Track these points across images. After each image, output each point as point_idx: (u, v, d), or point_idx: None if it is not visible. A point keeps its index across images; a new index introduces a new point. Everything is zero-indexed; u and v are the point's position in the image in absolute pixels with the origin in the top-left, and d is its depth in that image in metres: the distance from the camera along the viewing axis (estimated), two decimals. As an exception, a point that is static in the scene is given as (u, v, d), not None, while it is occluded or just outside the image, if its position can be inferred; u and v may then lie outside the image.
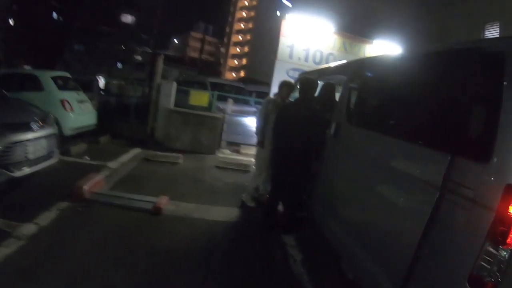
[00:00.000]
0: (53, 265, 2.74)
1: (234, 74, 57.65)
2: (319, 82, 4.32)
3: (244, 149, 8.37)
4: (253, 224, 4.11)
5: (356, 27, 11.31)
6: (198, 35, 55.25)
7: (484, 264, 1.52)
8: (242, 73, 54.06)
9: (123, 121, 9.81)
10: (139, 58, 38.43)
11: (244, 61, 58.78)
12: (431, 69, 2.31)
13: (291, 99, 4.69)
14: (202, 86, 11.16)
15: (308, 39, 8.01)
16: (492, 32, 10.88)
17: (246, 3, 62.46)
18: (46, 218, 3.51)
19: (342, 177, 3.16)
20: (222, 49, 68.18)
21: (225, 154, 8.03)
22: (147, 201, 4.21)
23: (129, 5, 36.95)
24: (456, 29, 11.61)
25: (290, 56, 7.91)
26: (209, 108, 8.83)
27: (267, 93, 8.39)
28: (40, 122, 4.39)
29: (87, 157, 6.06)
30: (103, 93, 11.58)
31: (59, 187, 4.26)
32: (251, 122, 8.88)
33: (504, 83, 1.61)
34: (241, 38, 62.57)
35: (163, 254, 3.16)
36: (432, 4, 12.88)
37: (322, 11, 9.35)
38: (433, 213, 1.81)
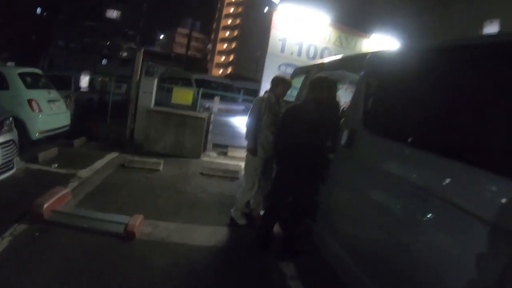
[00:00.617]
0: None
1: (221, 71, 56.78)
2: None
3: (232, 152, 7.70)
4: (244, 249, 3.42)
5: (352, 20, 10.77)
6: (185, 31, 54.21)
7: None
8: (229, 70, 53.37)
9: (102, 121, 9.12)
10: (124, 54, 37.67)
11: (231, 57, 58.02)
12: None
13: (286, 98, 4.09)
14: (187, 83, 10.44)
15: (302, 32, 7.40)
16: (491, 29, 10.56)
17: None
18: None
19: (357, 201, 2.49)
20: (209, 46, 67.27)
21: (211, 157, 7.33)
22: (118, 222, 3.48)
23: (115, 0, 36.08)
24: (455, 25, 11.19)
25: (282, 50, 7.28)
26: (193, 107, 8.15)
27: (256, 90, 7.81)
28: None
29: (55, 165, 5.33)
30: (85, 91, 10.91)
31: (17, 205, 3.59)
32: (239, 122, 8.25)
33: None
34: (228, 35, 61.74)
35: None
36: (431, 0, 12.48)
37: (316, 2, 8.71)
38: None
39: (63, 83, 9.48)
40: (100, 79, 12.68)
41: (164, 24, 64.79)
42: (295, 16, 7.28)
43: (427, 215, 1.76)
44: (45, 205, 3.47)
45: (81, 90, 10.76)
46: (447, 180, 1.70)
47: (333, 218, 2.79)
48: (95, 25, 34.24)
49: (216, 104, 7.87)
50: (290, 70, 6.54)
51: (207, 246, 3.37)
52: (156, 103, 7.71)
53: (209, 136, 7.71)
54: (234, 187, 5.24)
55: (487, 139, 1.61)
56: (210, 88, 9.59)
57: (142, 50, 7.66)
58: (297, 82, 4.83)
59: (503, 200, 1.38)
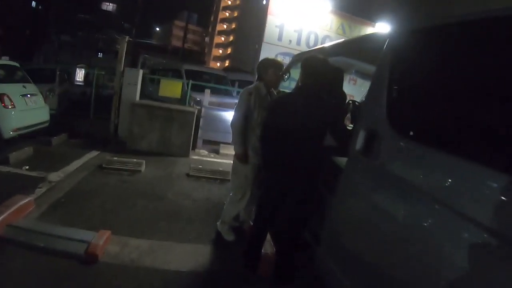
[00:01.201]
0: None
1: (218, 64, 55.95)
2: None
3: (224, 149, 7.09)
4: (233, 275, 2.81)
5: (356, 7, 10.11)
6: (182, 24, 53.28)
7: None
8: (227, 63, 52.62)
9: (84, 116, 8.54)
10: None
11: (229, 50, 57.20)
12: None
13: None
14: (177, 74, 9.75)
15: (301, 19, 6.71)
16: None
17: (231, -9, 60.59)
18: None
19: (380, 228, 1.79)
20: (207, 39, 66.36)
21: (201, 155, 6.71)
22: (79, 240, 2.87)
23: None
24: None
25: (279, 38, 6.62)
26: (183, 100, 7.50)
27: (252, 82, 7.18)
28: None
29: (26, 167, 4.72)
30: (80, 84, 10.53)
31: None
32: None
33: None
34: (226, 27, 60.81)
35: None
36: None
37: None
38: None
39: (47, 77, 8.94)
40: (97, 72, 12.29)
41: (161, 17, 64.02)
42: (294, 0, 6.63)
43: (488, 255, 1.17)
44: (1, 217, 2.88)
45: (76, 83, 10.40)
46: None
47: (344, 245, 2.14)
48: (90, 18, 33.77)
49: (206, 97, 7.23)
50: (288, 61, 5.93)
51: (184, 272, 2.74)
52: (146, 96, 7.09)
53: (200, 132, 7.09)
54: (224, 192, 4.62)
55: None
56: (202, 80, 8.89)
57: (127, 38, 6.98)
58: (296, 73, 4.20)
59: None
